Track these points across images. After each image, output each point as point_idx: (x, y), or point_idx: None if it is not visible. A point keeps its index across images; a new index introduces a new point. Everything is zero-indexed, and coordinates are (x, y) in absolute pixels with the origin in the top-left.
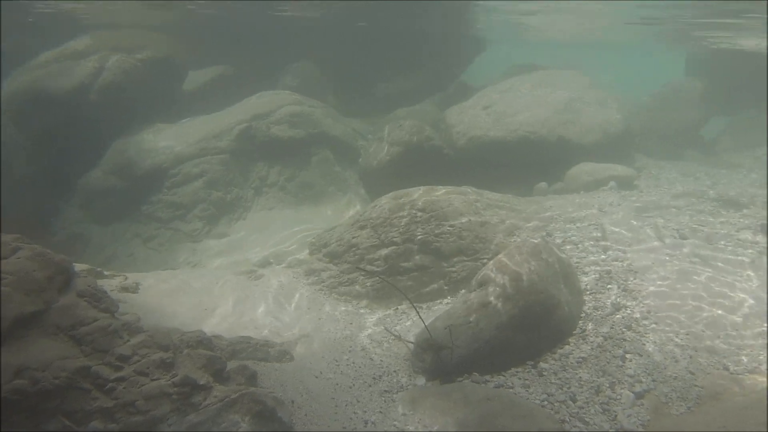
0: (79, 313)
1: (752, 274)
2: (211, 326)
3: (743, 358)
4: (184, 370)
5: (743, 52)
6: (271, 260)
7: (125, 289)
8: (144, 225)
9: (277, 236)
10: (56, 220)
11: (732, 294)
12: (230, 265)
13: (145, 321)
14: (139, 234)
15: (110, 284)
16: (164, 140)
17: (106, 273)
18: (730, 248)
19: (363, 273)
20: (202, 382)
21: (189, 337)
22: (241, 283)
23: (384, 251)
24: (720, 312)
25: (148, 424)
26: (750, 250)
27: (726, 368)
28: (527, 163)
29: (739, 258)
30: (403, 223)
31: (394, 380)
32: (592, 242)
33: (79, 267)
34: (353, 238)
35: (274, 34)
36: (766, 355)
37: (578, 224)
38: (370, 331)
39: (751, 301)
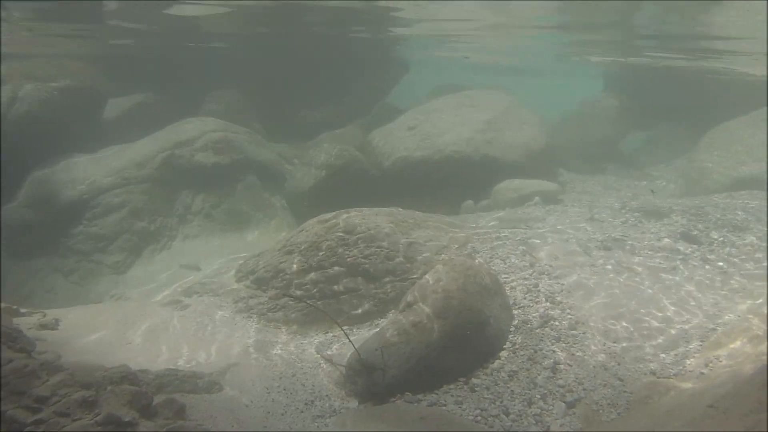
0: None
1: (675, 280)
2: (136, 360)
3: (668, 362)
4: (108, 407)
5: (656, 69)
6: (198, 289)
7: (44, 326)
8: (64, 259)
9: (204, 264)
10: None
11: (656, 301)
12: (155, 296)
13: (66, 359)
14: (59, 268)
15: (27, 322)
16: (84, 170)
17: (23, 311)
18: (653, 257)
19: (292, 299)
20: (127, 419)
21: (113, 373)
22: (167, 313)
23: (313, 275)
24: (645, 319)
25: None
26: (679, 256)
27: (653, 373)
28: (454, 181)
29: (662, 266)
30: (331, 246)
31: (327, 404)
32: (518, 257)
33: None
34: (281, 263)
35: (197, 61)
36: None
37: (505, 240)
38: (300, 356)
39: (674, 308)
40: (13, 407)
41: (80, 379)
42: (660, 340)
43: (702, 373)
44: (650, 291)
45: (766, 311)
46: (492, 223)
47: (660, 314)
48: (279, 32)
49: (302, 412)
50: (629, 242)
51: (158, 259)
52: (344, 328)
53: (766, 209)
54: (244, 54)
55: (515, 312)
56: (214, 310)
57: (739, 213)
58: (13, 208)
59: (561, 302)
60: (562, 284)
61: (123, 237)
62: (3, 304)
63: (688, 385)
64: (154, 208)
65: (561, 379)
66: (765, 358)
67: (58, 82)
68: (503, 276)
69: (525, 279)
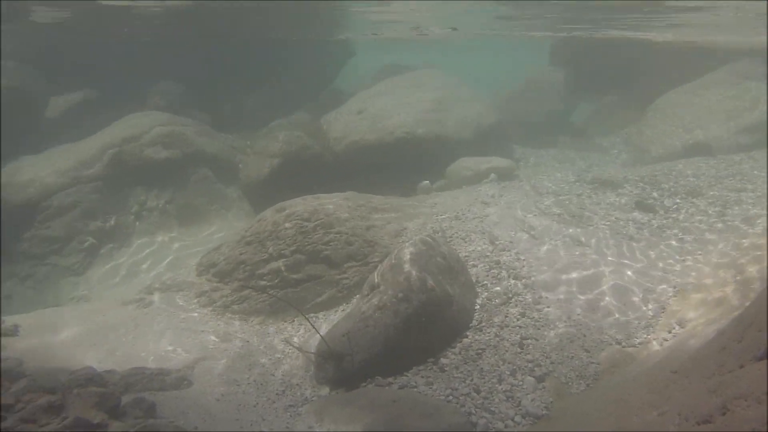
0: None
1: (634, 249)
2: (101, 361)
3: (632, 331)
4: (75, 411)
5: (601, 41)
6: (159, 286)
7: (3, 333)
8: (19, 264)
9: (163, 260)
10: None
11: (617, 271)
12: (116, 296)
13: (27, 365)
14: (14, 274)
15: None
16: (30, 172)
17: None
18: (610, 227)
19: (255, 290)
20: (96, 422)
21: (78, 376)
22: (129, 312)
23: (274, 265)
24: (607, 290)
25: None
26: (635, 225)
27: (618, 343)
28: (408, 163)
29: (620, 235)
30: (290, 235)
31: (298, 393)
32: (478, 234)
33: None
34: (241, 254)
35: (136, 54)
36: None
37: (464, 218)
38: (269, 346)
39: (635, 276)
40: None
41: (44, 384)
42: (623, 310)
43: (665, 340)
44: (611, 261)
45: (722, 275)
46: (450, 202)
47: (622, 284)
48: (221, 22)
49: (274, 402)
50: (587, 214)
51: (117, 258)
52: (310, 315)
53: (715, 174)
54: (185, 45)
55: (479, 290)
56: (178, 305)
57: (691, 179)
58: None
59: (523, 277)
60: (523, 259)
61: (77, 238)
62: None
63: (652, 352)
64: (107, 207)
65: (529, 354)
66: (722, 321)
67: None
68: (464, 254)
69: (486, 256)
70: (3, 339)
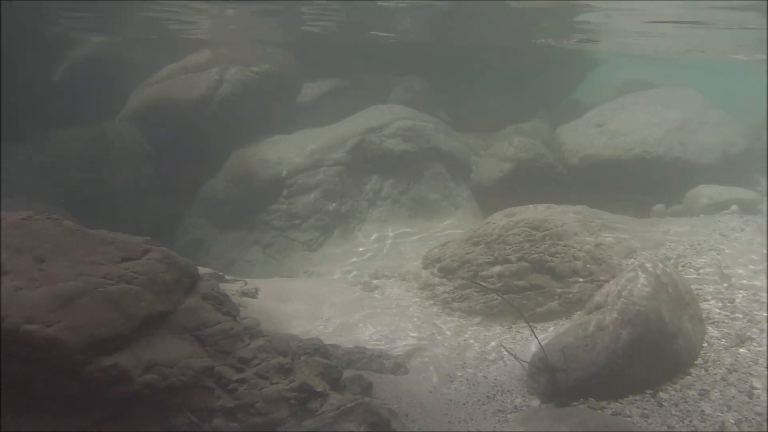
0: (204, 315)
1: None
2: (326, 334)
3: None
4: (302, 376)
5: None
6: (386, 272)
7: (245, 294)
8: (262, 233)
9: (392, 249)
10: (179, 226)
11: None
12: (345, 276)
13: (263, 326)
14: (257, 241)
15: (231, 289)
16: (281, 151)
17: (227, 278)
18: None
19: (478, 289)
20: (318, 390)
21: (306, 345)
22: (356, 293)
23: (498, 268)
24: None
25: (267, 426)
26: None
27: None
28: (642, 183)
29: None
30: (517, 241)
31: (508, 400)
32: (713, 269)
33: (202, 271)
34: (467, 254)
35: (384, 49)
36: None
37: (699, 249)
38: (484, 348)
39: None
40: (220, 364)
41: (277, 347)
42: None
43: None
44: None
45: None
46: (685, 230)
47: None
48: (465, 24)
49: (483, 404)
50: None
51: (349, 240)
52: (530, 324)
53: None
54: (430, 43)
55: (708, 327)
56: (401, 294)
57: None
58: (217, 182)
59: (760, 322)
60: (762, 303)
61: (315, 216)
62: (210, 270)
63: None
64: (344, 191)
65: (759, 405)
66: None
67: (258, 66)
68: (695, 287)
69: (719, 292)
70: (244, 299)
